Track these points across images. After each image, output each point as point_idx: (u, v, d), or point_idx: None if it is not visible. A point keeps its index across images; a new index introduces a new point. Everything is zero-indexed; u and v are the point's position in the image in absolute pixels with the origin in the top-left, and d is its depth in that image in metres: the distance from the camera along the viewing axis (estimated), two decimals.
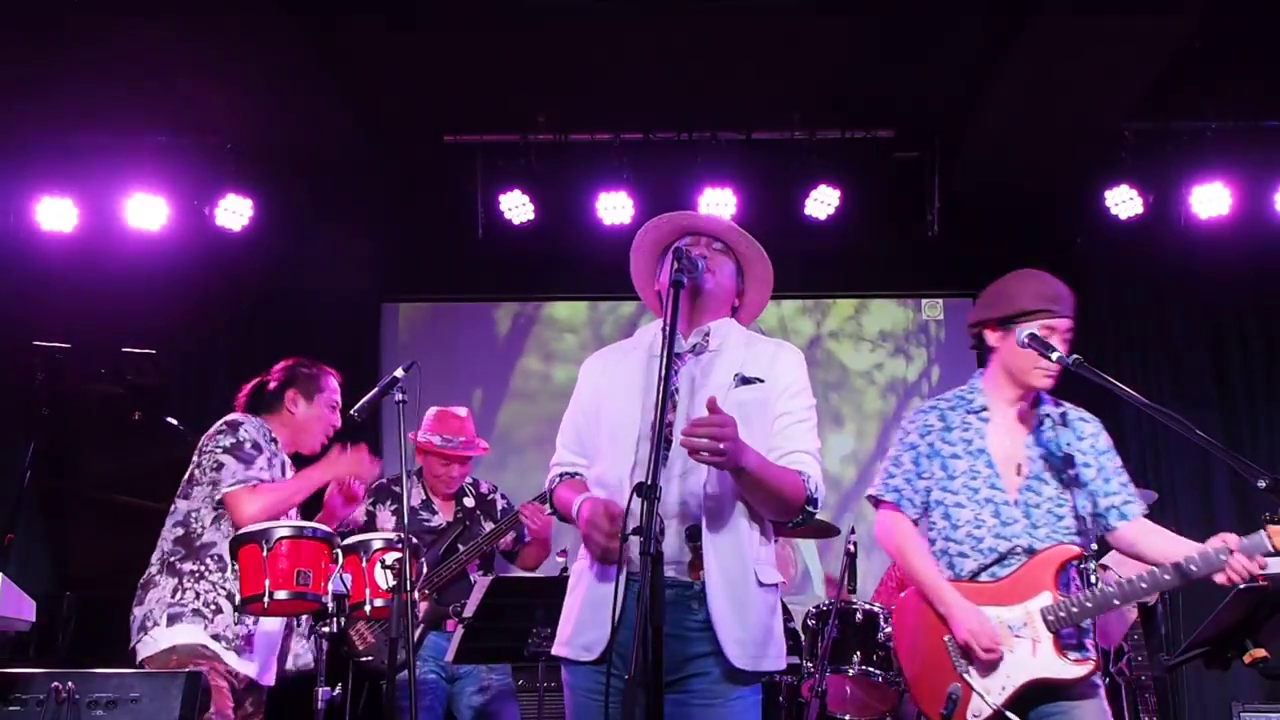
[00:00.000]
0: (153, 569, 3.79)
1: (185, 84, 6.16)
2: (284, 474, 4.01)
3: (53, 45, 5.83)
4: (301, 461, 4.12)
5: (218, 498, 3.78)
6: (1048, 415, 3.22)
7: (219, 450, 3.83)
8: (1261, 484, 2.77)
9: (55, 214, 6.74)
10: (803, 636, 5.11)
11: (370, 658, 4.56)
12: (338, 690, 3.62)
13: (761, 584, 2.75)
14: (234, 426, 3.90)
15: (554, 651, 2.85)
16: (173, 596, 3.69)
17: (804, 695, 4.97)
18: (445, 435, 4.73)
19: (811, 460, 2.79)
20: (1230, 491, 6.86)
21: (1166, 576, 3.01)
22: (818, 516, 2.85)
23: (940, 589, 3.13)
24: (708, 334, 2.88)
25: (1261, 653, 3.78)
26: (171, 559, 3.76)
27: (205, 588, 3.71)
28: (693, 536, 2.71)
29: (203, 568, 3.74)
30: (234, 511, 3.75)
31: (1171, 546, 3.10)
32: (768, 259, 2.98)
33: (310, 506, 4.13)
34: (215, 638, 3.68)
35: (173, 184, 6.73)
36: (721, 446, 2.50)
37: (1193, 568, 2.97)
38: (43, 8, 5.58)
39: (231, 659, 3.69)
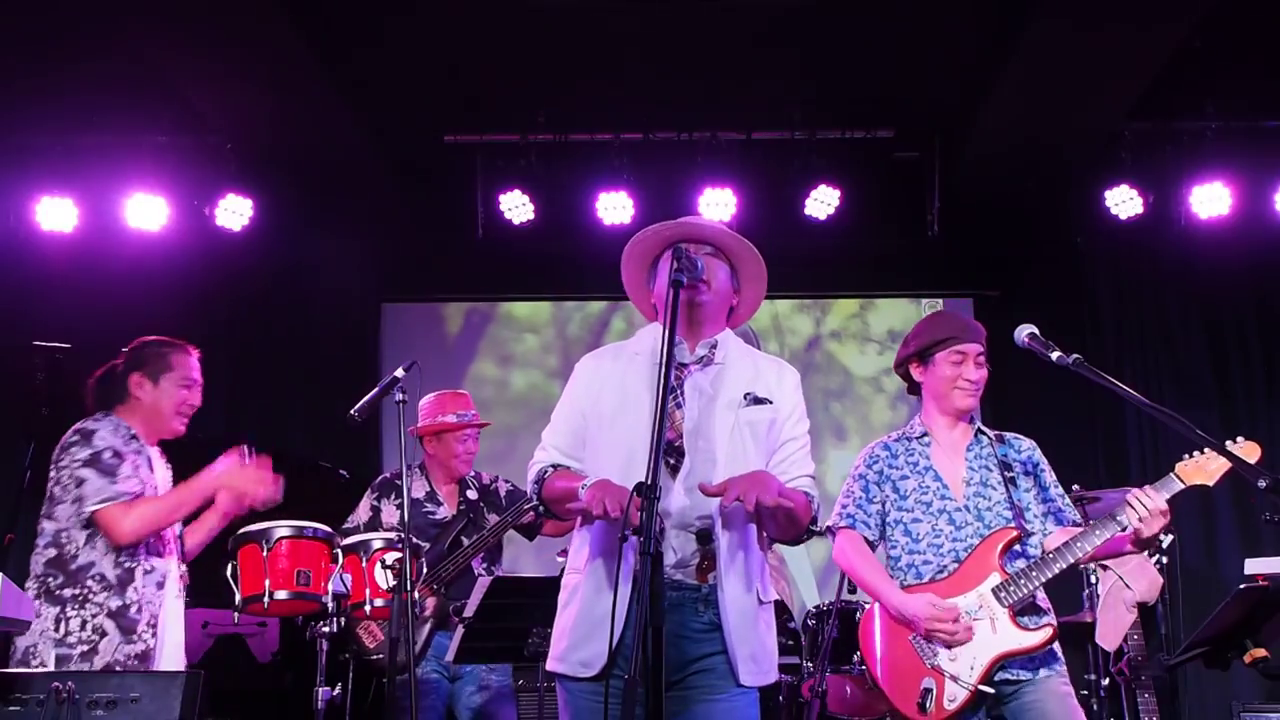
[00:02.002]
0: (29, 593, 3.49)
1: (185, 84, 6.16)
2: (151, 472, 3.73)
3: (53, 45, 5.83)
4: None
5: (85, 515, 3.53)
6: (983, 432, 3.48)
7: (76, 465, 3.54)
8: (1262, 484, 2.78)
9: (55, 214, 6.73)
10: (803, 636, 5.11)
11: (380, 655, 4.56)
12: (338, 690, 3.62)
13: (761, 601, 2.82)
14: (87, 435, 3.60)
15: (550, 668, 2.85)
16: (56, 629, 3.48)
17: (804, 695, 4.97)
18: (458, 411, 4.76)
19: (813, 484, 2.92)
20: (1229, 491, 6.85)
21: (1097, 533, 3.19)
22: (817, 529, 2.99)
23: (889, 594, 3.31)
24: (714, 346, 2.90)
25: (1261, 653, 3.80)
26: (48, 582, 3.53)
27: (91, 612, 3.50)
28: (703, 540, 2.76)
29: (85, 591, 3.52)
30: (109, 530, 3.51)
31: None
32: (760, 256, 2.97)
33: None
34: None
35: (173, 184, 6.72)
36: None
37: (1116, 521, 3.16)
38: (44, 9, 5.58)
39: None
